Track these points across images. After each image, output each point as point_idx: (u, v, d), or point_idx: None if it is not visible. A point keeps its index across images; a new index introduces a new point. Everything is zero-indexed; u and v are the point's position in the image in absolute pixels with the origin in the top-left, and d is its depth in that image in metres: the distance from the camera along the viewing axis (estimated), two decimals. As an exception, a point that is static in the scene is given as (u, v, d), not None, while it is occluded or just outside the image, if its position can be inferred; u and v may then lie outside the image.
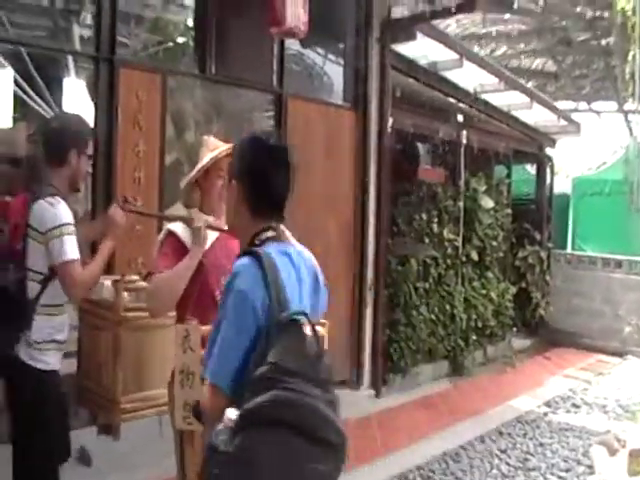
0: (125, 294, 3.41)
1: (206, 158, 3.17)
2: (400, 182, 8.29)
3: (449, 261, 8.69)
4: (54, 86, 4.86)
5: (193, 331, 2.70)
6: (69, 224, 3.16)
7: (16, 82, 4.82)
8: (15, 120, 5.09)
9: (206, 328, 2.80)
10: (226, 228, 3.10)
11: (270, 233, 2.25)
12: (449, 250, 8.69)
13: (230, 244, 3.03)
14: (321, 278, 2.39)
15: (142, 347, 3.41)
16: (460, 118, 8.70)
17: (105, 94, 4.66)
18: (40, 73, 4.68)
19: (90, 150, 3.42)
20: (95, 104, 4.63)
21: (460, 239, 8.87)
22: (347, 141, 7.02)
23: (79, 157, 3.32)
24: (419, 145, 9.16)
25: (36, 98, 4.64)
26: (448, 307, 8.44)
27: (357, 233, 7.14)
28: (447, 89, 8.47)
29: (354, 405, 6.77)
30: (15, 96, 4.93)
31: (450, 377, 8.37)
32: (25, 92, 4.64)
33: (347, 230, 7.05)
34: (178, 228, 3.10)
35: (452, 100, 8.63)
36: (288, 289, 2.12)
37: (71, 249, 3.14)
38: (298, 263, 2.27)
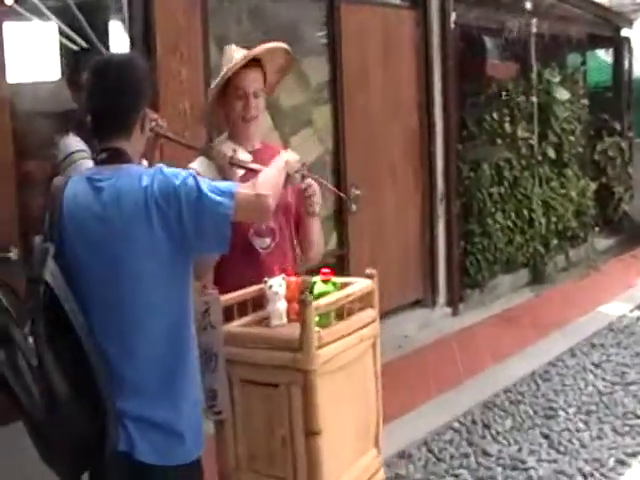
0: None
1: (222, 72, 2.66)
2: (467, 82, 7.74)
3: (524, 162, 8.16)
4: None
5: (213, 304, 2.24)
6: (80, 150, 3.21)
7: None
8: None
9: (230, 296, 2.39)
10: (253, 165, 2.49)
11: (102, 155, 2.06)
12: (523, 150, 8.14)
13: None
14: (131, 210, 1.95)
15: (343, 399, 2.37)
16: (528, 5, 7.99)
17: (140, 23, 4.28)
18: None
19: None
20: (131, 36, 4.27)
21: (535, 137, 8.29)
22: (407, 43, 6.50)
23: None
24: (486, 39, 8.52)
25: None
26: (525, 212, 8.00)
27: (424, 142, 6.69)
28: (513, -26, 7.78)
29: (430, 325, 6.56)
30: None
31: (531, 287, 8.00)
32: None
33: (413, 140, 6.61)
34: (200, 166, 2.57)
35: (519, -14, 7.92)
36: (69, 222, 2.00)
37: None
38: (108, 190, 1.98)
